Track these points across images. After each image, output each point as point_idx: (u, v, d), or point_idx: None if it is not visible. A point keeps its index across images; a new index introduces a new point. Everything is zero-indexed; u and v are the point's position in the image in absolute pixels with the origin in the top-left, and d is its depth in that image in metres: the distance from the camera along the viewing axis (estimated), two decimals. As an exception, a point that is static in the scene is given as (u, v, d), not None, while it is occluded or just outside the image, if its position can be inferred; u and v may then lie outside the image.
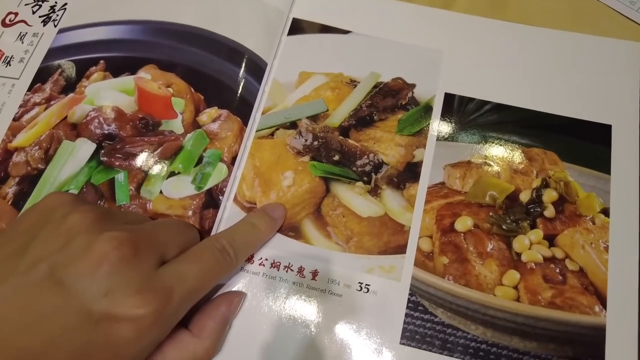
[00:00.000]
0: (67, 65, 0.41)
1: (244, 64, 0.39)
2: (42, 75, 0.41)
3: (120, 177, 0.36)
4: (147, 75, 0.39)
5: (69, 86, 0.40)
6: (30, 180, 0.37)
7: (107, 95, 0.38)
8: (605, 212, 0.36)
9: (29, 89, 0.41)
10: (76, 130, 0.38)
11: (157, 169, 0.36)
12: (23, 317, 0.24)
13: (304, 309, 0.34)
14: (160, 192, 0.36)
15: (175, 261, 0.29)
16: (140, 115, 0.37)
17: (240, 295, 0.34)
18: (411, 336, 0.34)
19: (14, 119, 0.40)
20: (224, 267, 0.31)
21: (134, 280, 0.26)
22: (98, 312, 0.25)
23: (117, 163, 0.36)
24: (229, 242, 0.31)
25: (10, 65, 0.42)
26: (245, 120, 0.38)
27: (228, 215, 0.36)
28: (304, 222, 0.37)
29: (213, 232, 0.36)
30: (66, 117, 0.39)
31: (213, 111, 0.38)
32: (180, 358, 0.29)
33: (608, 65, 0.40)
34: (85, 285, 0.25)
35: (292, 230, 0.36)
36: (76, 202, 0.29)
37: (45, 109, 0.39)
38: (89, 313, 0.25)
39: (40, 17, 0.44)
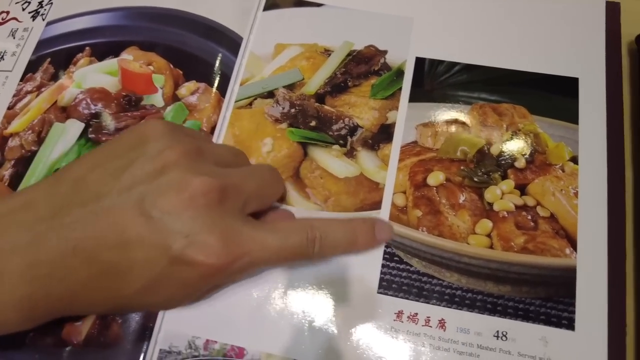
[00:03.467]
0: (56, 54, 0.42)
1: (219, 40, 0.41)
2: (33, 66, 0.42)
3: (107, 151, 0.37)
4: (129, 57, 0.40)
5: (58, 73, 0.41)
6: (25, 162, 0.39)
7: (93, 78, 0.40)
8: (574, 160, 0.36)
9: (21, 79, 0.42)
10: (66, 112, 0.40)
11: (140, 141, 0.37)
12: (111, 238, 0.26)
13: (283, 270, 0.35)
14: (144, 163, 0.37)
15: (266, 227, 0.30)
16: (124, 93, 0.38)
17: (292, 217, 0.35)
18: (388, 285, 0.34)
19: (8, 108, 0.41)
20: (302, 257, 0.31)
21: (215, 230, 0.27)
22: (176, 250, 0.26)
23: (103, 138, 0.38)
24: (321, 237, 0.31)
25: (3, 59, 0.44)
26: (223, 92, 0.39)
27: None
28: (284, 185, 0.38)
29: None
30: (56, 101, 0.40)
31: (191, 84, 0.39)
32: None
33: (573, 19, 0.41)
34: (170, 221, 0.26)
35: (273, 193, 0.37)
36: (172, 136, 0.29)
37: (37, 95, 0.41)
38: (168, 249, 0.26)
39: (29, 12, 0.45)
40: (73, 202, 0.27)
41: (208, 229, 0.27)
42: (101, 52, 0.41)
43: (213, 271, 0.27)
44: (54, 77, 0.41)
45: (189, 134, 0.32)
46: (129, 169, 0.28)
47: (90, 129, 0.38)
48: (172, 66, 0.40)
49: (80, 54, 0.42)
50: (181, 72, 0.40)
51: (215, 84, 0.40)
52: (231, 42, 0.41)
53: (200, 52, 0.40)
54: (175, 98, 0.39)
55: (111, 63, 0.40)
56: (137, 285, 0.27)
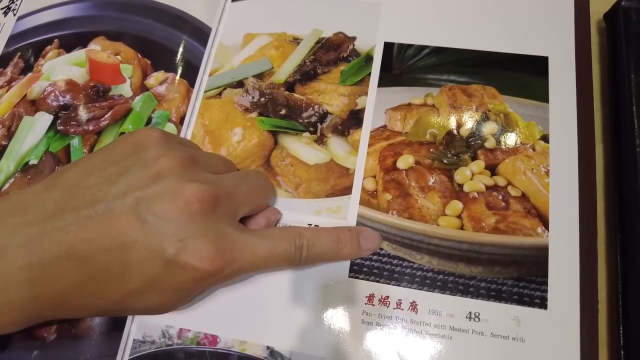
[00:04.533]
0: (25, 48, 0.42)
1: (187, 30, 0.40)
2: (3, 61, 0.42)
3: (75, 142, 0.36)
4: (96, 47, 0.39)
5: (28, 67, 0.41)
6: (-4, 156, 0.38)
7: (61, 70, 0.39)
8: (545, 138, 0.36)
9: (-7, 75, 0.42)
10: (35, 105, 0.39)
11: (108, 130, 0.37)
12: (105, 241, 0.26)
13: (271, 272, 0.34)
14: (112, 153, 0.36)
15: (256, 233, 0.30)
16: (92, 84, 0.38)
17: (277, 214, 0.35)
18: (359, 269, 0.33)
19: (-19, 104, 0.41)
20: (289, 264, 0.31)
21: (209, 235, 0.27)
22: (170, 254, 0.26)
23: (72, 130, 0.37)
24: (307, 245, 0.31)
25: (-24, 58, 0.44)
26: (191, 82, 0.39)
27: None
28: (254, 173, 0.37)
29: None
30: (25, 95, 0.40)
31: (160, 74, 0.38)
32: None
33: None
34: (165, 226, 0.26)
35: (243, 181, 0.37)
36: (167, 144, 0.30)
37: (7, 90, 0.40)
38: (162, 252, 0.26)
39: (1, 9, 0.45)
40: (67, 207, 0.27)
41: (202, 234, 0.27)
42: (69, 44, 0.41)
43: (205, 275, 0.27)
44: (24, 71, 0.41)
45: (182, 142, 0.33)
46: (124, 176, 0.28)
47: (59, 121, 0.37)
48: (140, 56, 0.39)
49: (49, 47, 0.41)
50: (149, 61, 0.39)
51: (184, 74, 0.39)
52: (200, 33, 0.40)
53: (168, 42, 0.39)
54: (143, 88, 0.38)
55: (79, 54, 0.39)
56: (129, 288, 0.27)
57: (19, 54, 0.41)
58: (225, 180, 0.30)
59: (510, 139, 0.36)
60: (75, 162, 0.30)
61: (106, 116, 0.37)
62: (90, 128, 0.37)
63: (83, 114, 0.37)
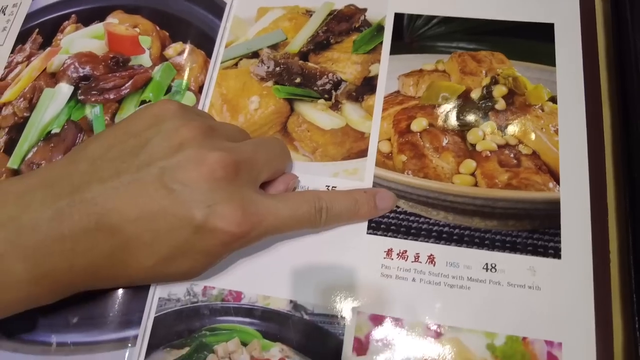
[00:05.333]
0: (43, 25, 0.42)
1: (203, 4, 0.41)
2: (22, 38, 0.42)
3: (96, 110, 0.37)
4: (114, 20, 0.40)
5: (46, 42, 0.41)
6: (18, 128, 0.38)
7: (80, 43, 0.39)
8: (553, 99, 0.37)
9: (12, 52, 0.42)
10: (55, 78, 0.39)
11: (129, 98, 0.37)
12: (134, 211, 0.26)
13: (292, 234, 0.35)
14: (134, 119, 0.37)
15: (277, 197, 0.31)
16: (111, 55, 0.38)
17: (295, 179, 0.35)
18: (377, 226, 0.34)
19: (1, 79, 0.41)
20: (310, 225, 0.32)
21: (235, 200, 0.28)
22: (200, 219, 0.27)
23: (92, 99, 0.37)
24: (327, 207, 0.32)
25: (-6, 36, 0.44)
26: (208, 54, 0.39)
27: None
28: (272, 139, 0.38)
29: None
30: (45, 68, 0.40)
31: (178, 45, 0.39)
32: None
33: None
34: (191, 193, 0.27)
35: (261, 147, 0.37)
36: (185, 115, 0.30)
37: (27, 65, 0.41)
38: (191, 218, 0.27)
39: (18, -13, 0.45)
40: (92, 179, 0.27)
41: (228, 199, 0.27)
42: (87, 19, 0.41)
43: (234, 238, 0.28)
44: (43, 46, 0.41)
45: (199, 113, 0.33)
46: (146, 147, 0.28)
47: (80, 91, 0.38)
48: (158, 28, 0.40)
49: (67, 22, 0.41)
50: (167, 33, 0.40)
51: (201, 46, 0.40)
52: (215, 7, 0.41)
53: (185, 15, 0.40)
54: (162, 58, 0.39)
55: (97, 28, 0.40)
56: (160, 256, 0.28)
57: (37, 30, 0.42)
58: (245, 147, 0.31)
59: (520, 101, 0.37)
60: (96, 135, 0.30)
61: (127, 85, 0.37)
62: (111, 97, 0.37)
63: (103, 84, 0.37)
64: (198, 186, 0.27)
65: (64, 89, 0.38)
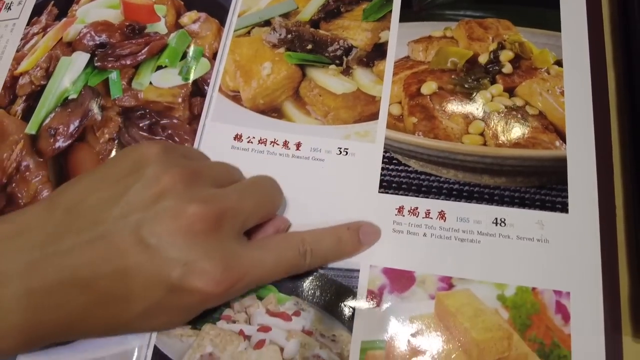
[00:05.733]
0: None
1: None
2: (38, 10, 0.43)
3: (113, 75, 0.38)
4: (129, -10, 0.41)
5: (62, 13, 0.42)
6: (35, 96, 0.39)
7: (96, 12, 0.40)
8: (559, 63, 0.37)
9: (28, 24, 0.43)
10: (71, 46, 0.40)
11: (145, 64, 0.38)
12: (108, 265, 0.25)
13: (291, 175, 0.36)
14: (150, 83, 0.38)
15: (262, 245, 0.29)
16: (127, 23, 0.39)
17: (286, 223, 0.34)
18: (388, 185, 0.35)
19: (17, 51, 0.42)
20: (295, 270, 0.30)
21: (214, 256, 0.26)
22: (175, 279, 0.25)
23: (109, 65, 0.38)
24: (311, 249, 0.30)
25: (10, 9, 0.45)
26: (222, 22, 0.40)
27: (215, 103, 0.38)
28: (285, 103, 0.38)
29: (202, 118, 0.37)
30: (61, 38, 0.41)
31: (193, 14, 0.40)
32: None
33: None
34: (168, 249, 0.26)
35: (275, 111, 0.38)
36: (168, 160, 0.28)
37: (43, 36, 0.42)
38: (167, 277, 0.25)
39: (33, -39, 0.46)
40: (68, 230, 0.26)
41: (206, 255, 0.26)
42: (102, -11, 0.42)
43: (212, 297, 0.27)
44: (58, 17, 0.42)
45: (185, 154, 0.32)
46: (125, 196, 0.27)
47: (96, 58, 0.39)
48: (172, -3, 0.41)
49: (82, -7, 0.42)
50: (182, 2, 0.41)
51: (215, 15, 0.40)
52: (228, -23, 0.42)
53: (199, -15, 0.41)
54: (178, 26, 0.40)
55: (112, -2, 0.41)
56: (135, 312, 0.26)
57: (52, 2, 0.43)
58: (230, 193, 0.29)
59: (526, 65, 0.38)
60: (75, 179, 0.29)
61: (143, 51, 0.38)
62: (128, 62, 0.38)
63: (119, 51, 0.38)
64: (175, 241, 0.26)
65: (81, 57, 0.39)
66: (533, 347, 0.30)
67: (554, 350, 0.30)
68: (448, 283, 0.32)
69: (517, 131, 0.35)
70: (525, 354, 0.30)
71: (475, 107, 0.36)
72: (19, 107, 0.39)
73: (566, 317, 0.31)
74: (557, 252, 0.32)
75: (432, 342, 0.30)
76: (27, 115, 0.39)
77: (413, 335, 0.30)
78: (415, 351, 0.30)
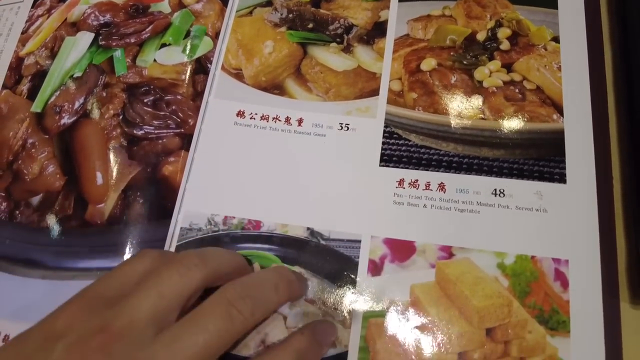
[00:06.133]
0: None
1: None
2: (42, -8, 0.44)
3: (118, 53, 0.38)
4: (133, -29, 0.41)
5: None
6: (40, 75, 0.40)
7: (100, -7, 0.41)
8: (556, 39, 0.38)
9: (32, 6, 0.43)
10: (76, 27, 0.41)
11: (149, 42, 0.39)
12: None
13: (294, 151, 0.36)
14: (155, 61, 0.38)
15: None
16: (131, 3, 0.40)
17: None
18: (389, 159, 0.35)
19: (22, 33, 0.42)
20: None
21: None
22: None
23: (114, 43, 0.39)
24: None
25: (15, -7, 0.45)
26: (224, 2, 0.41)
27: (218, 80, 0.39)
28: (287, 80, 0.39)
29: (205, 95, 0.38)
30: (66, 19, 0.41)
31: (196, -7, 0.41)
32: None
33: None
34: None
35: (277, 88, 0.39)
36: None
37: (48, 17, 0.42)
38: None
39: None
40: None
41: None
42: (106, -29, 0.42)
43: None
44: (63, 0, 0.42)
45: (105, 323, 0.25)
46: None
47: (101, 37, 0.39)
48: (175, -23, 0.41)
49: (87, -25, 0.43)
50: (184, -18, 0.41)
51: (217, -5, 0.41)
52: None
53: (201, -35, 0.41)
54: (181, 5, 0.40)
55: (117, -22, 0.41)
56: None
57: (57, -16, 0.43)
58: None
59: (523, 42, 0.38)
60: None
61: (147, 30, 0.38)
62: (132, 40, 0.38)
63: (123, 30, 0.39)
64: None
65: (85, 36, 0.40)
66: (532, 314, 0.31)
67: (553, 316, 0.30)
68: (448, 252, 0.32)
69: (515, 105, 0.36)
70: (525, 320, 0.30)
71: (474, 82, 0.37)
72: (24, 86, 0.40)
73: (565, 284, 0.31)
74: (556, 221, 0.33)
75: (433, 310, 0.30)
76: (32, 94, 0.39)
77: (414, 302, 0.31)
78: (416, 318, 0.30)
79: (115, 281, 0.26)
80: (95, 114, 0.37)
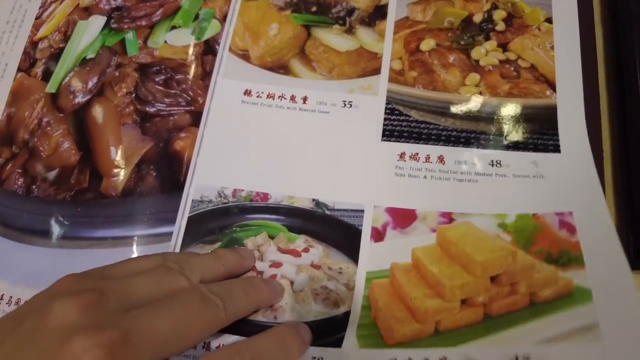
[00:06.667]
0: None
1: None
2: (55, -21, 0.45)
3: (129, 35, 0.40)
4: (143, -43, 0.43)
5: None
6: (54, 58, 0.41)
7: (112, -21, 0.42)
8: (549, 20, 0.39)
9: (45, -8, 0.45)
10: (88, 11, 0.42)
11: (160, 24, 0.40)
12: None
13: (299, 127, 0.38)
14: (165, 42, 0.40)
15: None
16: (142, -13, 0.41)
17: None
18: (390, 134, 0.37)
19: (36, 18, 0.44)
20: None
21: None
22: None
23: (125, 26, 0.40)
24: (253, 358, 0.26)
25: (28, -20, 0.47)
26: (232, -12, 0.42)
27: (225, 61, 0.40)
28: (291, 61, 0.40)
29: (213, 75, 0.39)
30: (78, 4, 0.43)
31: (204, -22, 0.42)
32: None
33: None
34: None
35: (282, 68, 0.40)
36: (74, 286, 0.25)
37: (61, 3, 0.44)
38: None
39: None
40: None
41: None
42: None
43: None
44: (75, -15, 0.44)
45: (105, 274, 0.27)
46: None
47: (113, 20, 0.41)
48: (184, -39, 0.43)
49: (98, -39, 0.44)
50: (193, -33, 0.43)
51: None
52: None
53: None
54: (189, -11, 0.42)
55: (127, -36, 0.43)
56: None
57: (69, -29, 0.45)
58: (141, 316, 0.24)
59: (518, 23, 0.40)
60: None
61: (157, 13, 0.40)
62: (143, 23, 0.40)
63: (135, 13, 0.40)
64: None
65: (98, 20, 0.41)
66: (540, 258, 0.32)
67: (563, 256, 0.32)
68: (448, 217, 0.34)
69: (511, 82, 0.37)
70: (532, 264, 0.31)
71: (471, 61, 0.39)
72: (39, 69, 0.41)
73: (572, 230, 0.32)
74: (553, 183, 0.34)
75: (435, 268, 0.32)
76: (46, 76, 0.41)
77: (415, 263, 0.32)
78: (418, 276, 0.32)
79: (118, 267, 0.28)
80: (109, 92, 0.38)
